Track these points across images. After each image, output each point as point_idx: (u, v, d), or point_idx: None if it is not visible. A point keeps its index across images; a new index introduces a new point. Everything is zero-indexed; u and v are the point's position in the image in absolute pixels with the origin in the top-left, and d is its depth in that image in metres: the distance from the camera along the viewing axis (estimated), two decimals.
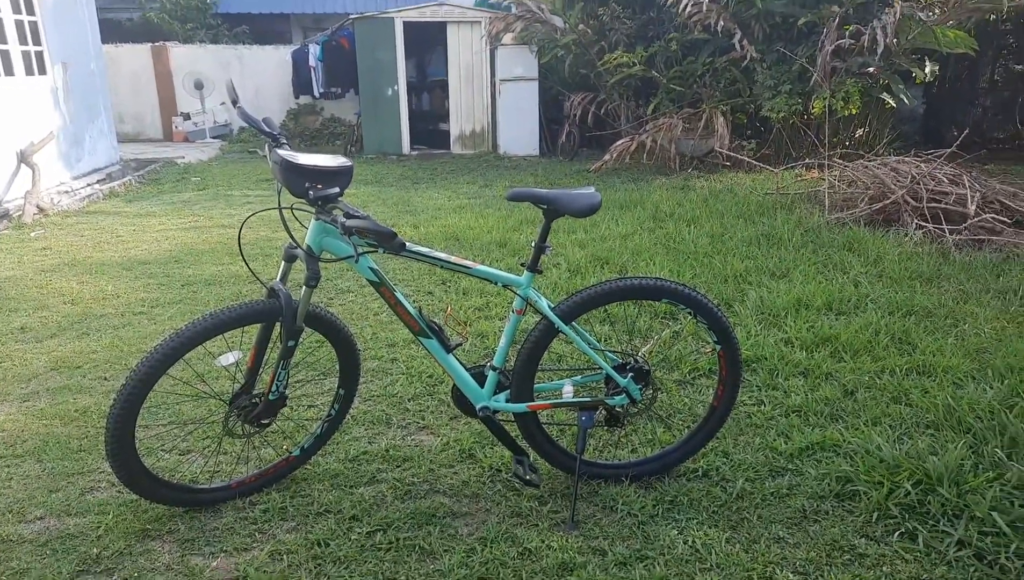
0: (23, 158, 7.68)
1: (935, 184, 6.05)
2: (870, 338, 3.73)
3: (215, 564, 2.25)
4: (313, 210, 2.29)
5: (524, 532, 2.37)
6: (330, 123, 13.98)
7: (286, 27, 18.09)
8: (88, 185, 8.77)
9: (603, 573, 2.17)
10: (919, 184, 6.02)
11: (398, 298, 2.42)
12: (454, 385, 2.54)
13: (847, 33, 8.41)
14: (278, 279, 2.39)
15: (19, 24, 8.08)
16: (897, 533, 2.32)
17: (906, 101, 8.97)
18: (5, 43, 7.78)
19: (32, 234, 6.60)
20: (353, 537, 2.36)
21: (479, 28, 11.26)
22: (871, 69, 8.51)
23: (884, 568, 2.18)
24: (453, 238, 6.01)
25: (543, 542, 2.31)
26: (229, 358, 3.28)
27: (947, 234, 5.44)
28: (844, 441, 2.81)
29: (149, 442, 2.93)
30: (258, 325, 2.41)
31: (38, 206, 7.33)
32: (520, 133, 11.41)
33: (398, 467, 2.76)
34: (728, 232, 5.90)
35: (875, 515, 2.39)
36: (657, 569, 2.19)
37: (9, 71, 7.83)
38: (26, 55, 8.17)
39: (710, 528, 2.37)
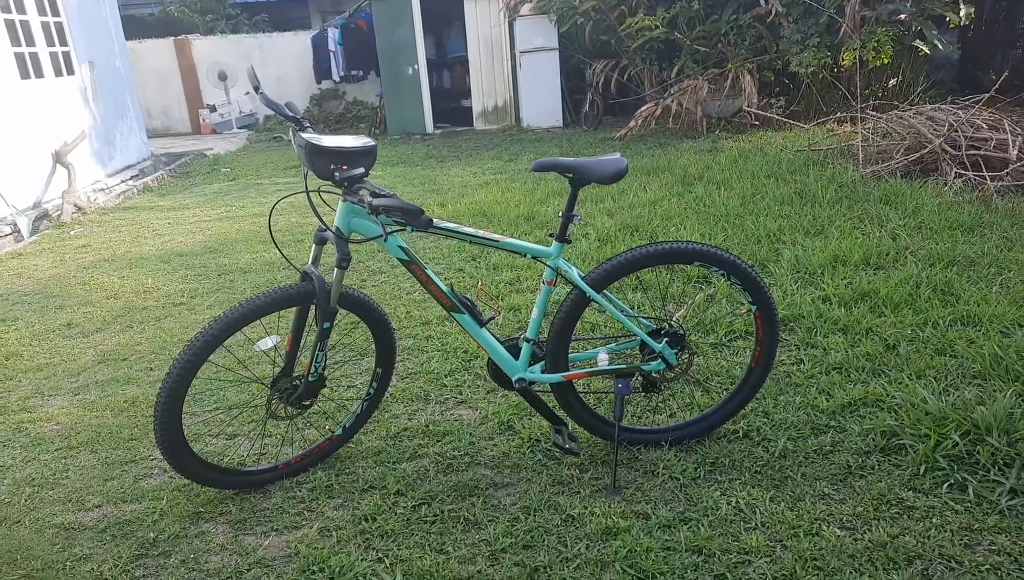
0: (58, 158, 7.84)
1: (974, 130, 5.87)
2: (911, 291, 3.65)
3: (267, 543, 2.31)
4: (340, 192, 2.31)
5: (566, 500, 2.39)
6: (353, 106, 14.00)
7: (305, 12, 18.12)
8: (122, 181, 8.93)
9: (647, 536, 2.18)
10: (957, 131, 5.84)
11: (429, 275, 2.43)
12: (489, 359, 2.55)
13: None
14: (310, 263, 2.42)
15: (45, 26, 8.21)
16: (946, 485, 2.29)
17: (940, 47, 8.67)
18: (34, 45, 7.92)
19: (72, 232, 6.76)
20: (399, 511, 2.40)
21: (496, 1, 11.13)
22: (902, 16, 8.23)
23: (934, 520, 2.16)
24: (480, 214, 6.01)
25: (586, 508, 2.33)
26: (268, 343, 3.35)
27: (988, 181, 5.28)
28: (887, 396, 2.77)
29: (197, 428, 3.01)
30: (294, 309, 2.44)
31: (76, 205, 7.49)
32: (542, 105, 11.30)
33: (439, 442, 2.79)
34: (760, 192, 5.80)
35: (922, 468, 2.36)
36: (701, 530, 2.19)
37: (39, 73, 7.97)
38: (54, 56, 8.31)
39: (753, 488, 2.37)
